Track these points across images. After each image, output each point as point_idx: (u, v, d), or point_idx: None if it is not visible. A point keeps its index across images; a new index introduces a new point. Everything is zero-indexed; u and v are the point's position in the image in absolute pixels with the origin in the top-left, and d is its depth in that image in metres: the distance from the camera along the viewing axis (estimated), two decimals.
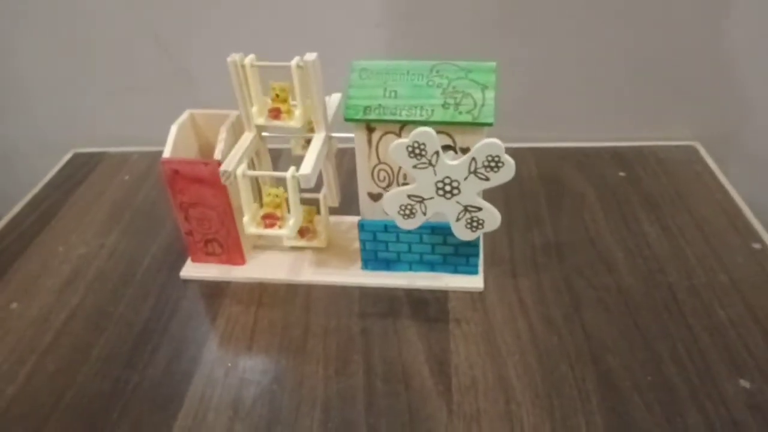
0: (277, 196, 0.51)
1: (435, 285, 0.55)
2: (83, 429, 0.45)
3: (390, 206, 0.50)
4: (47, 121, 0.84)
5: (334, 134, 0.54)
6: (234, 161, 0.51)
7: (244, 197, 0.51)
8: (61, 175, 0.77)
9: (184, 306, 0.55)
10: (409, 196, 0.49)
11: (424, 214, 0.49)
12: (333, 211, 0.60)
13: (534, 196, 0.67)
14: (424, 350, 0.50)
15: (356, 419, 0.45)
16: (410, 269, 0.56)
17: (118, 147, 0.81)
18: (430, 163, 0.46)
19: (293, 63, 0.49)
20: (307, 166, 0.49)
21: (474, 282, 0.55)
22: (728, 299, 0.52)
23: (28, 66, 0.80)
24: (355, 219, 0.55)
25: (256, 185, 0.56)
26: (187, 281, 0.58)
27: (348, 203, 0.58)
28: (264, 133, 0.55)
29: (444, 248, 0.54)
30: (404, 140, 0.46)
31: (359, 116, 0.48)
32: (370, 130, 0.49)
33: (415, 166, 0.46)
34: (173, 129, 0.54)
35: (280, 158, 0.62)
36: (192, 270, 0.59)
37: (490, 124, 0.46)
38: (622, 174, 0.70)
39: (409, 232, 0.52)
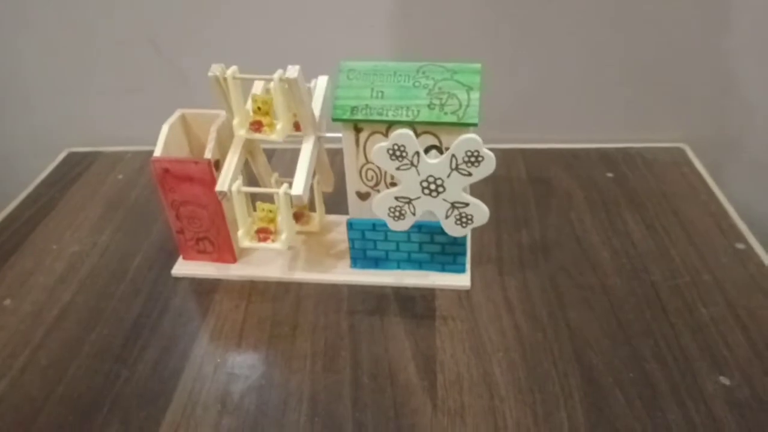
0: (270, 211, 0.53)
1: (422, 283, 0.56)
2: (74, 422, 0.46)
3: (379, 209, 0.50)
4: (42, 121, 0.84)
5: (321, 134, 0.54)
6: (227, 180, 0.52)
7: (238, 212, 0.53)
8: (55, 173, 0.78)
9: (174, 303, 0.56)
10: (396, 198, 0.49)
11: (414, 214, 0.50)
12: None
13: (522, 197, 0.68)
14: (410, 347, 0.50)
15: (343, 414, 0.45)
16: (398, 267, 0.57)
17: (112, 146, 0.82)
18: (412, 164, 0.47)
19: (275, 77, 0.49)
20: (299, 186, 0.51)
21: (461, 280, 0.56)
22: (711, 298, 0.53)
23: (24, 66, 0.80)
24: (344, 218, 0.56)
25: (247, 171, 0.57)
26: (178, 279, 0.59)
27: (337, 202, 0.59)
28: None
29: (432, 247, 0.55)
30: (384, 144, 0.46)
31: (347, 116, 0.48)
32: (358, 130, 0.50)
33: (398, 168, 0.47)
34: (164, 128, 0.55)
35: (273, 156, 0.63)
36: (183, 268, 0.59)
37: (474, 125, 0.47)
38: (609, 175, 0.71)
39: (397, 231, 0.53)
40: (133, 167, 0.77)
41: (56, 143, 0.83)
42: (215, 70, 0.50)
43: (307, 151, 0.52)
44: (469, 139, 0.45)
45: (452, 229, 0.51)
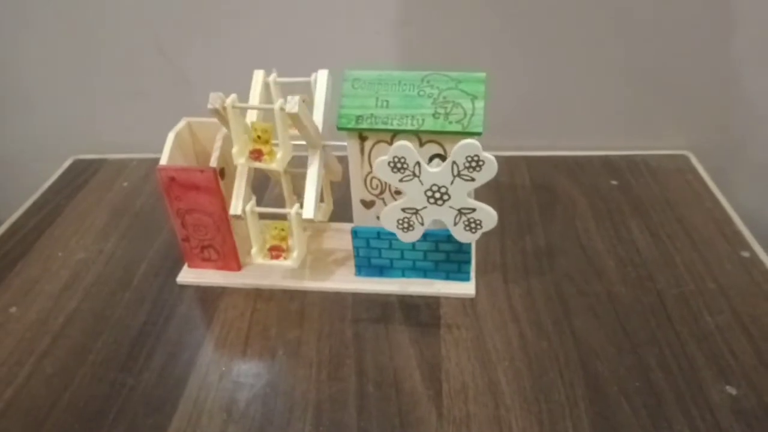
0: (282, 230, 0.55)
1: (427, 291, 0.56)
2: (79, 430, 0.46)
3: (388, 222, 0.51)
4: (48, 128, 0.85)
5: (326, 143, 0.55)
6: (240, 203, 0.53)
7: (252, 231, 0.54)
8: (61, 181, 0.78)
9: (180, 311, 0.56)
10: (403, 210, 0.50)
11: (422, 224, 0.50)
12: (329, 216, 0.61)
13: (526, 204, 0.68)
14: (415, 355, 0.50)
15: (348, 423, 0.45)
16: (403, 276, 0.57)
17: (117, 154, 0.82)
18: (414, 174, 0.47)
19: (276, 107, 0.49)
20: (309, 210, 0.52)
21: (466, 288, 0.56)
22: (716, 306, 0.53)
23: (30, 73, 0.81)
24: (348, 226, 0.56)
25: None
26: (183, 286, 0.59)
27: (342, 210, 0.59)
28: None
29: (436, 255, 0.55)
30: (384, 157, 0.47)
31: (351, 125, 0.49)
32: (363, 138, 0.50)
33: (401, 180, 0.47)
34: (170, 137, 0.55)
35: None
36: (188, 275, 0.59)
37: (479, 134, 0.47)
38: (613, 182, 0.71)
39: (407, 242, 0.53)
40: (139, 175, 0.78)
41: (61, 150, 0.83)
42: (215, 102, 0.50)
43: (314, 172, 0.53)
44: (468, 144, 0.45)
45: (462, 236, 0.50)
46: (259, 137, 0.51)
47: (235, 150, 0.52)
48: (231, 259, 0.58)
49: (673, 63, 0.73)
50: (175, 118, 0.57)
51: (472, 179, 0.46)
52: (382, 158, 0.47)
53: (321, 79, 0.54)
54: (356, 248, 0.56)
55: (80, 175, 0.79)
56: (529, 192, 0.70)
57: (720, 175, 0.72)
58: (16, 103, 0.83)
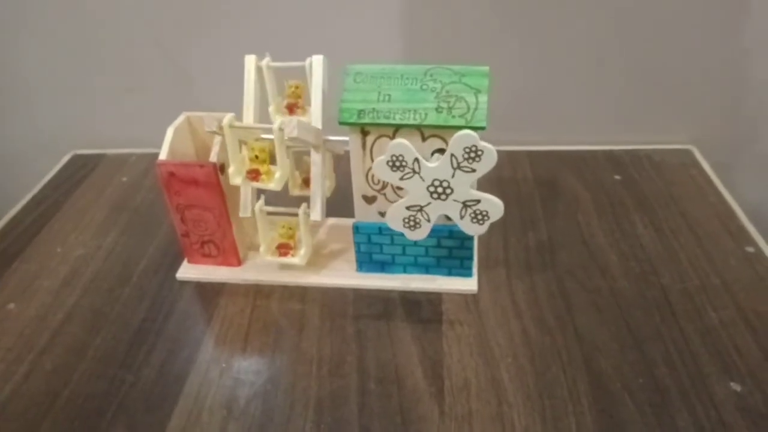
0: (290, 228, 0.56)
1: (429, 287, 0.55)
2: (79, 428, 0.46)
3: (394, 222, 0.50)
4: (47, 123, 0.84)
5: (328, 137, 0.54)
6: (249, 205, 0.55)
7: (261, 230, 0.55)
8: (60, 176, 0.78)
9: (179, 307, 0.56)
10: (408, 208, 0.49)
11: (428, 220, 0.50)
12: (329, 212, 0.60)
13: (529, 199, 0.67)
14: (417, 352, 0.50)
15: (349, 419, 0.45)
16: (405, 271, 0.56)
17: (117, 149, 0.81)
18: (414, 171, 0.46)
19: (275, 127, 0.49)
20: (317, 212, 0.53)
21: (468, 284, 0.55)
22: (720, 302, 0.53)
23: (29, 68, 0.80)
24: (350, 221, 0.55)
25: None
26: (183, 282, 0.59)
27: (344, 205, 0.59)
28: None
29: (438, 251, 0.55)
30: (383, 157, 0.46)
31: (353, 120, 0.48)
32: (365, 133, 0.49)
33: (401, 178, 0.47)
34: (169, 131, 0.54)
35: None
36: (188, 271, 0.59)
37: (482, 128, 0.46)
38: (617, 177, 0.70)
39: (402, 234, 0.52)
40: (138, 170, 0.77)
41: (60, 145, 0.83)
42: (211, 125, 0.50)
43: (318, 173, 0.53)
44: (464, 135, 0.44)
45: (470, 229, 0.50)
46: (256, 157, 0.51)
47: (231, 170, 0.51)
48: (231, 255, 0.58)
49: (677, 57, 0.73)
50: (175, 113, 0.57)
51: (473, 170, 0.46)
52: (380, 158, 0.46)
53: (317, 65, 0.53)
54: (357, 244, 0.56)
55: (79, 170, 0.78)
56: (531, 187, 0.69)
57: (724, 169, 0.72)
58: (15, 98, 0.83)
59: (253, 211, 0.55)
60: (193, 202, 0.55)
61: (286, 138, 0.48)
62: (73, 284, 0.59)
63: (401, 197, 0.50)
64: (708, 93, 0.75)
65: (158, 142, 0.54)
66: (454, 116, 0.47)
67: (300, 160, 0.58)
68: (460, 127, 0.47)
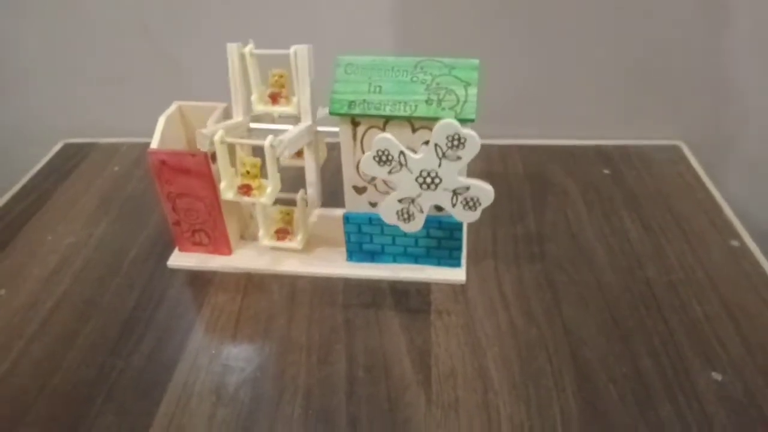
0: (287, 213, 0.57)
1: (418, 277, 0.56)
2: (68, 414, 0.46)
3: (388, 216, 0.51)
4: (38, 112, 0.84)
5: (319, 128, 0.54)
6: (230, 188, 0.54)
7: (260, 217, 0.56)
8: (50, 165, 0.77)
9: (170, 295, 0.56)
10: (399, 201, 0.50)
11: (422, 211, 0.50)
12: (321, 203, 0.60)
13: (519, 193, 0.68)
14: (405, 341, 0.51)
15: (337, 407, 0.46)
16: (394, 261, 0.57)
17: (108, 138, 0.81)
18: (401, 164, 0.47)
19: (266, 143, 0.50)
20: (314, 199, 0.56)
21: (456, 275, 0.56)
22: (705, 295, 0.54)
23: (19, 56, 0.80)
24: (340, 211, 0.56)
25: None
26: (174, 270, 0.59)
27: (335, 196, 0.59)
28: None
29: (427, 241, 0.55)
30: (369, 153, 0.47)
31: (344, 110, 0.48)
32: (355, 124, 0.50)
33: (389, 172, 0.47)
34: (161, 120, 0.54)
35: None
36: (179, 259, 0.59)
37: (471, 120, 0.47)
38: (606, 172, 0.71)
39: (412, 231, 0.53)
40: (130, 159, 0.77)
41: (51, 134, 0.82)
42: (203, 144, 0.50)
43: (311, 162, 0.54)
44: (445, 124, 0.45)
45: (463, 216, 0.50)
46: (248, 172, 0.52)
47: (223, 185, 0.52)
48: (222, 244, 0.58)
49: (666, 54, 0.73)
50: (166, 102, 0.57)
51: (459, 158, 0.46)
52: (366, 154, 0.47)
53: (302, 56, 0.52)
54: (348, 234, 0.56)
55: (70, 159, 0.78)
56: (521, 180, 0.70)
57: (711, 165, 0.72)
58: (5, 87, 0.82)
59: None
60: (184, 190, 0.55)
61: (277, 156, 0.50)
62: (63, 273, 0.59)
63: (392, 188, 0.50)
64: (697, 90, 0.76)
65: (150, 131, 0.54)
66: (443, 108, 0.47)
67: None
68: None
